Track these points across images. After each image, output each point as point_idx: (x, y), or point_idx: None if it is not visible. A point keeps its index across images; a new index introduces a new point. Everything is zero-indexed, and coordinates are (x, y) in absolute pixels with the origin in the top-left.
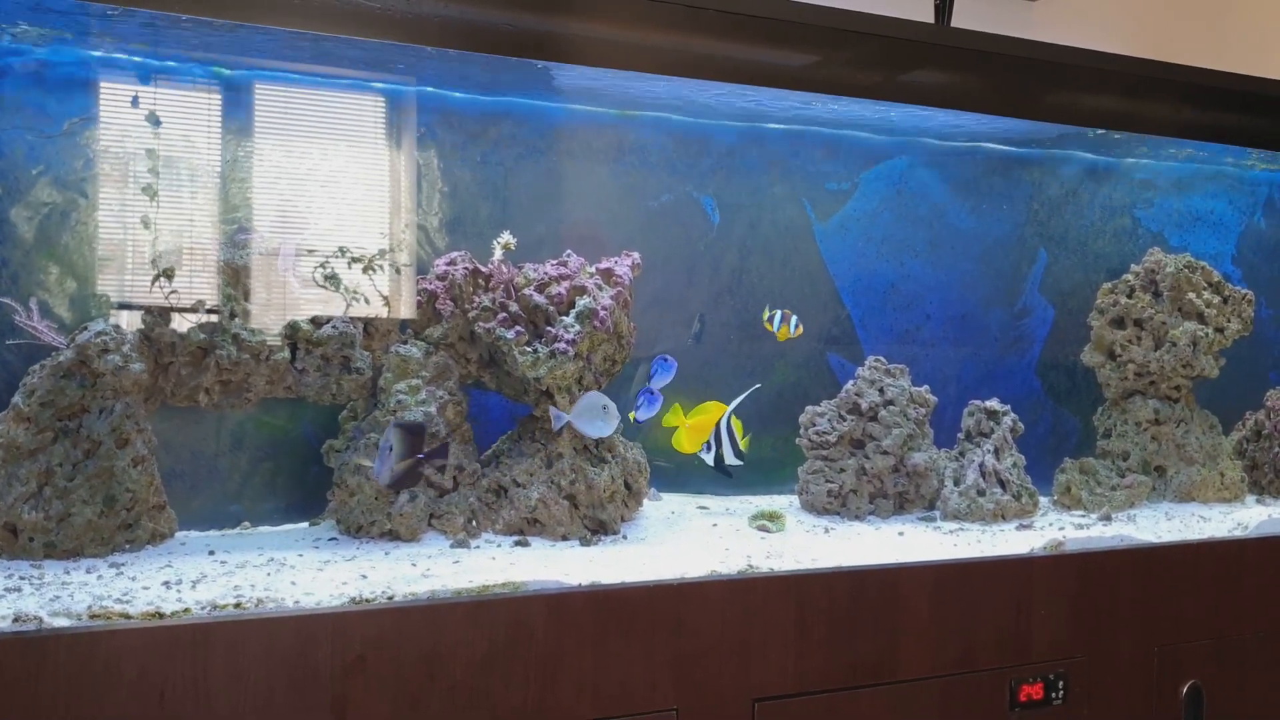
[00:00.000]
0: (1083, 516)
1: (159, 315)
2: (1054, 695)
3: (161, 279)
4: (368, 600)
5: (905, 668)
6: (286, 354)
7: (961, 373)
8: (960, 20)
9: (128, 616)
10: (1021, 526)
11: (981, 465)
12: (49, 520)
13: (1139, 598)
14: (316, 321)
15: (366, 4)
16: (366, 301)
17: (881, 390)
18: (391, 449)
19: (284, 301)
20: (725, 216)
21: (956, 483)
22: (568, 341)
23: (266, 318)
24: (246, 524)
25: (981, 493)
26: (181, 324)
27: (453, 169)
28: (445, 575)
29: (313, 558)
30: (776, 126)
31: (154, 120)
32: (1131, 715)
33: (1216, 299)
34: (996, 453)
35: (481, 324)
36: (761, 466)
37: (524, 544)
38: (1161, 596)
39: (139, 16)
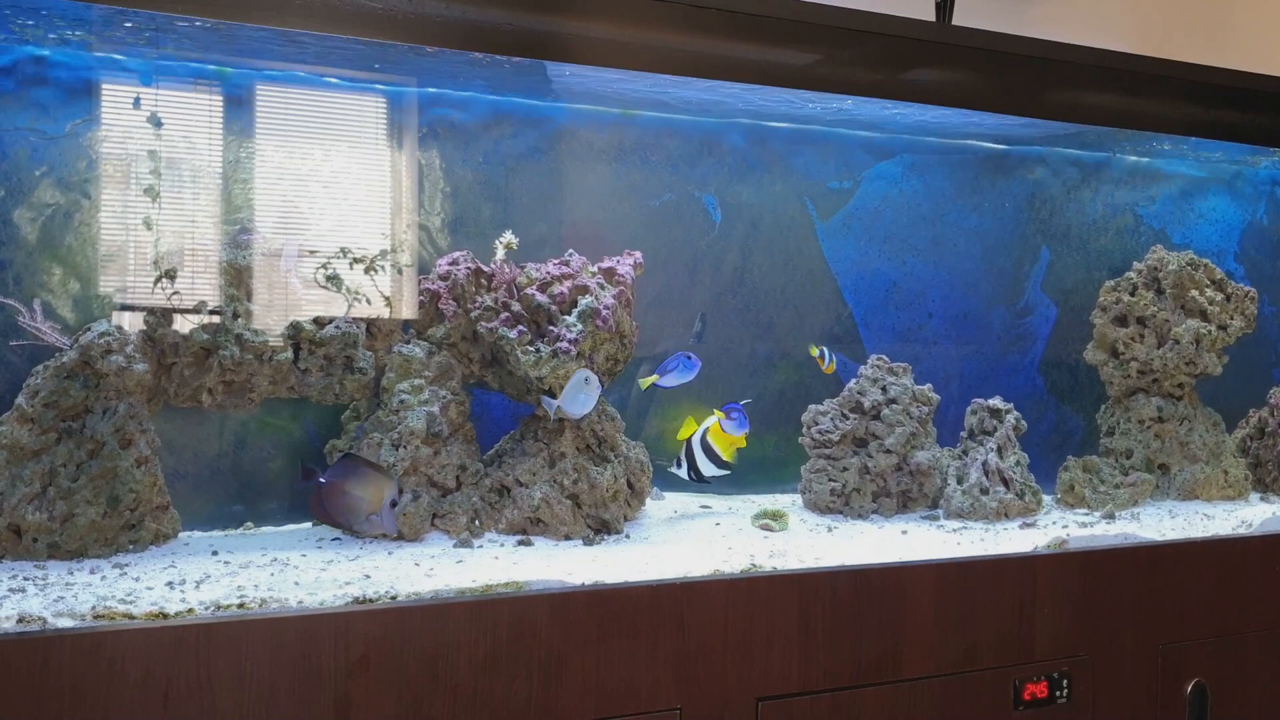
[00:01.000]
0: (1086, 515)
1: (162, 316)
2: (1058, 694)
3: (164, 280)
4: (371, 600)
5: (909, 667)
6: (289, 354)
7: (964, 371)
8: (961, 18)
9: (131, 617)
10: (1025, 525)
11: (985, 464)
12: (53, 521)
13: (1143, 596)
14: (319, 322)
15: (368, 4)
16: (369, 302)
17: (884, 389)
18: (362, 495)
19: (286, 302)
20: (727, 215)
21: (960, 481)
22: (570, 341)
23: (269, 318)
24: (250, 524)
25: (985, 491)
26: (184, 325)
27: (454, 169)
28: (448, 575)
29: (316, 558)
30: (778, 125)
31: (156, 121)
32: (1136, 713)
33: (1219, 296)
34: (1000, 451)
35: (484, 324)
36: (764, 465)
37: (527, 543)
38: (1165, 595)
39: (141, 17)
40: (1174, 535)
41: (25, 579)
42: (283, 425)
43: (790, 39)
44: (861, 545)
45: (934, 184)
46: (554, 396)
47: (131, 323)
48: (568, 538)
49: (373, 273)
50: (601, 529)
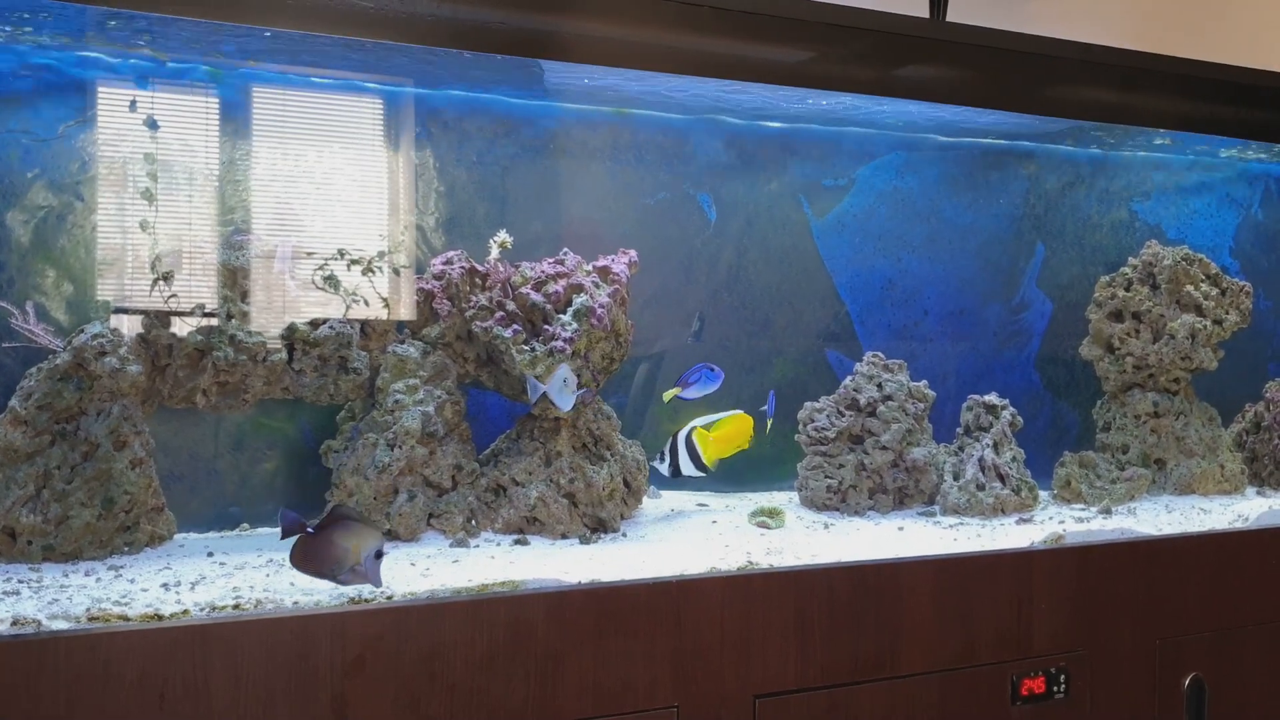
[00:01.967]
0: (1083, 510)
1: (156, 318)
2: (1055, 689)
3: (160, 282)
4: (367, 600)
5: (906, 663)
6: (284, 355)
7: (960, 367)
8: (956, 14)
9: (126, 619)
10: (1021, 520)
11: (981, 460)
12: (47, 523)
13: (1140, 591)
14: (314, 323)
15: (360, 4)
16: (366, 303)
17: (880, 386)
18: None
19: (282, 303)
20: (722, 213)
21: (956, 477)
22: (565, 339)
23: (264, 319)
24: (245, 525)
25: (981, 487)
26: (180, 327)
27: (449, 168)
28: (444, 574)
29: None
30: (772, 123)
31: (151, 124)
32: (1133, 708)
33: (1215, 291)
34: (996, 447)
35: (479, 323)
36: (760, 463)
37: (523, 543)
38: (1162, 589)
39: (134, 19)
40: (1170, 530)
41: (20, 581)
42: (278, 426)
43: (784, 36)
44: (858, 542)
45: (929, 181)
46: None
47: (130, 326)
48: (564, 537)
49: (370, 274)
50: (598, 528)
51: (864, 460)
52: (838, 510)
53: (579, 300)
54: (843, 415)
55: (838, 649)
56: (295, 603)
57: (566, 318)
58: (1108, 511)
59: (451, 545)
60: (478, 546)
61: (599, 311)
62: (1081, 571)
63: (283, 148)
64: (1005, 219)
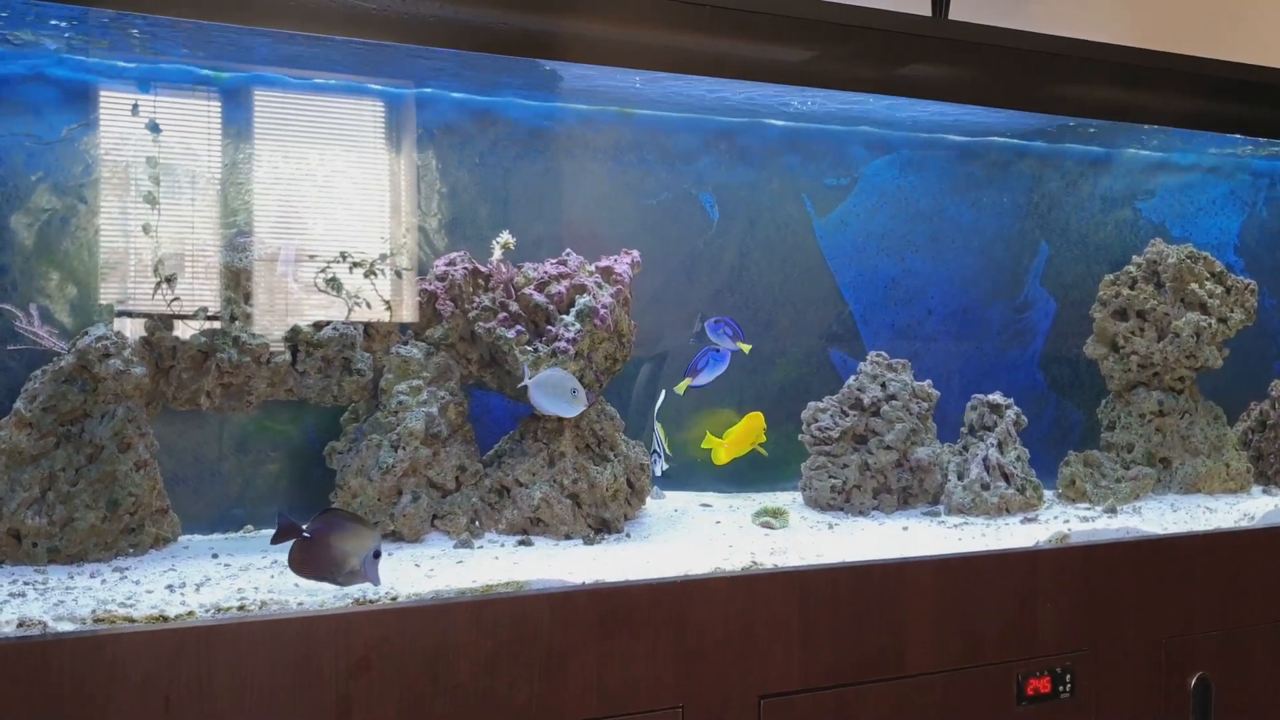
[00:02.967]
0: (1088, 509)
1: (160, 320)
2: (1061, 689)
3: (164, 285)
4: (371, 601)
5: (911, 663)
6: (287, 356)
7: (964, 367)
8: (958, 13)
9: (132, 620)
10: (1026, 520)
11: (985, 459)
12: (52, 525)
13: (1145, 590)
14: (318, 324)
15: (362, 5)
16: (369, 305)
17: (884, 385)
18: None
19: (285, 305)
20: (725, 213)
21: (960, 477)
22: (568, 340)
23: (268, 321)
24: (250, 527)
25: (985, 487)
26: (184, 329)
27: (451, 170)
28: (449, 575)
29: None
30: (775, 122)
31: (153, 127)
32: (1139, 708)
33: (1219, 289)
34: (1000, 446)
35: (482, 324)
36: (764, 463)
37: (527, 543)
38: (1168, 588)
39: (136, 20)
40: (1176, 529)
41: (25, 583)
42: (281, 428)
43: (787, 35)
44: (862, 542)
45: (932, 180)
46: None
47: (134, 328)
48: (568, 537)
49: (373, 276)
50: (602, 528)
51: (868, 460)
52: (842, 510)
53: (582, 301)
54: (847, 415)
55: (842, 649)
56: (300, 604)
57: (569, 318)
58: (1113, 511)
59: (455, 546)
60: (481, 547)
61: (602, 312)
62: (1087, 571)
63: (285, 150)
64: (1009, 218)
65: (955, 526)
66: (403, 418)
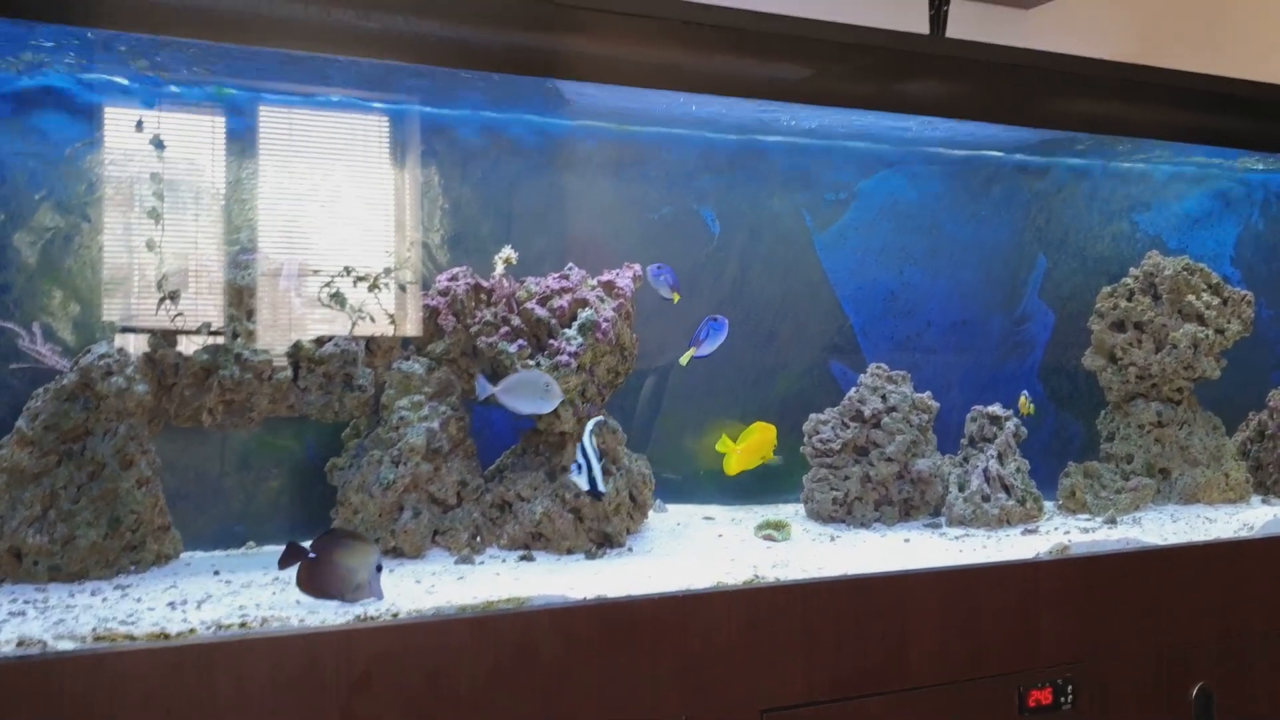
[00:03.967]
0: (1088, 520)
1: (162, 337)
2: (1063, 700)
3: (167, 301)
4: (372, 618)
5: (913, 675)
6: (289, 373)
7: (963, 378)
8: (955, 30)
9: (133, 638)
10: (1027, 531)
11: (985, 470)
12: (53, 543)
13: (1146, 600)
14: (319, 340)
15: (366, 25)
16: (371, 320)
17: (884, 397)
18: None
19: (287, 321)
20: (725, 228)
21: (961, 488)
22: (570, 354)
23: (270, 337)
24: (251, 544)
25: (986, 498)
26: (187, 346)
27: (453, 185)
28: (450, 591)
29: None
30: (774, 138)
31: (157, 143)
32: (1141, 718)
33: (1216, 300)
34: (1000, 458)
35: (484, 338)
36: (767, 475)
37: (529, 558)
38: (1169, 599)
39: (141, 40)
40: (1176, 539)
41: (26, 602)
42: (284, 444)
43: (786, 54)
44: (864, 554)
45: (930, 193)
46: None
47: (136, 345)
48: (570, 552)
49: (376, 291)
50: (604, 542)
51: (869, 472)
52: (843, 522)
53: (584, 315)
54: (847, 427)
55: (845, 661)
56: (301, 620)
57: (571, 332)
58: (1113, 521)
59: (457, 562)
60: (483, 563)
61: (604, 325)
62: (1087, 582)
63: (288, 166)
64: (1006, 231)
65: (956, 538)
66: (404, 433)
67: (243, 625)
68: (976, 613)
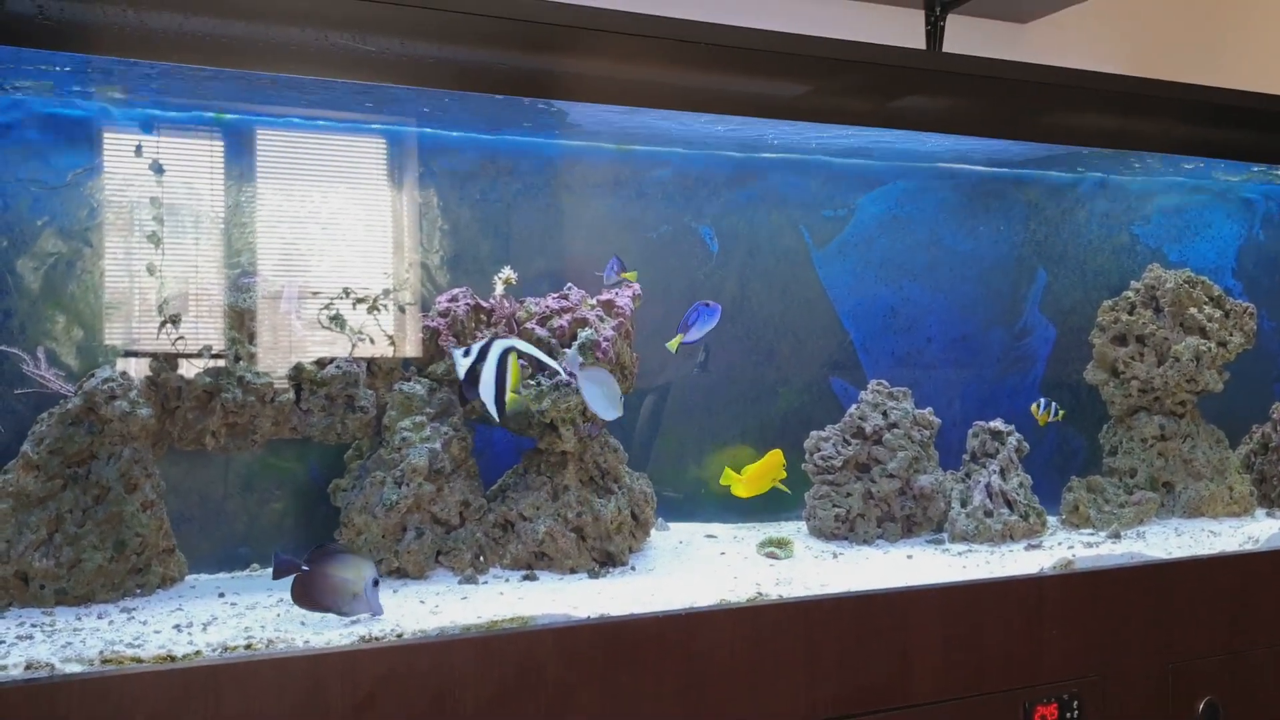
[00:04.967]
0: (1091, 535)
1: (165, 360)
2: (1069, 715)
3: (168, 325)
4: (377, 639)
5: (917, 691)
6: (291, 395)
7: (965, 394)
8: (952, 45)
9: (139, 660)
10: (1030, 546)
11: (988, 486)
12: (60, 567)
13: (1151, 615)
14: (320, 362)
15: (363, 48)
16: (371, 341)
17: (885, 414)
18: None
19: (288, 343)
20: (724, 245)
21: (963, 504)
22: (570, 373)
23: (271, 360)
24: (256, 566)
25: (989, 514)
26: (188, 369)
27: (452, 206)
28: (453, 611)
29: None
30: (771, 155)
31: (157, 168)
32: None
33: (1218, 313)
34: (1002, 473)
35: None
36: (768, 493)
37: (532, 578)
38: (1174, 613)
39: (139, 66)
40: (1180, 553)
41: (33, 626)
42: (286, 466)
43: (782, 71)
44: (867, 571)
45: (929, 209)
46: (556, 430)
47: (139, 369)
48: (573, 571)
49: (375, 312)
50: (606, 561)
51: (871, 488)
52: (846, 539)
53: (584, 334)
54: (849, 443)
55: (848, 679)
56: (306, 642)
57: (572, 352)
58: (1117, 536)
59: (460, 582)
60: (486, 583)
61: (604, 345)
62: (1092, 596)
63: (287, 189)
64: (1006, 245)
65: (959, 554)
66: (406, 454)
67: (248, 647)
68: (980, 629)
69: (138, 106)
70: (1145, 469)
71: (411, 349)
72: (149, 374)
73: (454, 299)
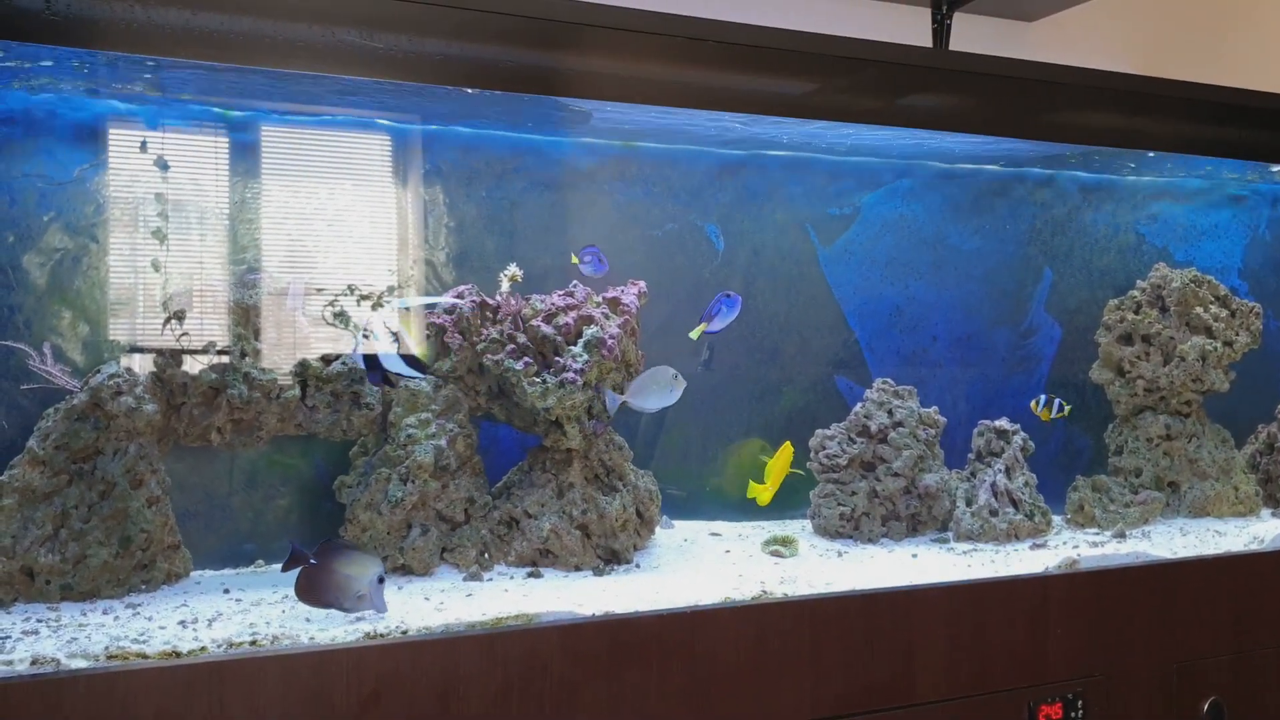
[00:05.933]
0: (1097, 534)
1: (170, 357)
2: (1074, 715)
3: (173, 321)
4: (382, 635)
5: (922, 691)
6: (297, 391)
7: (970, 393)
8: (958, 43)
9: (145, 656)
10: (1035, 546)
11: (993, 485)
12: (65, 563)
13: (1156, 615)
14: (326, 358)
15: (370, 44)
16: (377, 338)
17: (890, 412)
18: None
19: (294, 340)
20: (729, 243)
21: (968, 503)
22: (576, 371)
23: (277, 356)
24: (261, 562)
25: (994, 513)
26: (193, 365)
27: (458, 204)
28: (458, 609)
29: None
30: (778, 153)
31: (162, 164)
32: None
33: (1224, 313)
34: (1008, 472)
35: (490, 356)
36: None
37: (537, 575)
38: (1179, 613)
39: (145, 62)
40: (1186, 553)
41: (39, 621)
42: (292, 463)
43: (788, 69)
44: (872, 569)
45: (934, 207)
46: (561, 427)
47: (145, 365)
48: (577, 568)
49: (379, 309)
50: (611, 559)
51: (876, 487)
52: (851, 538)
53: (589, 332)
54: (854, 442)
55: (853, 677)
56: (311, 638)
57: (577, 349)
58: (1122, 535)
59: (465, 579)
60: (491, 580)
61: (609, 342)
62: (1097, 596)
63: (293, 185)
64: (1012, 244)
65: (964, 553)
66: (411, 451)
67: (253, 643)
68: (985, 628)
69: (144, 102)
70: (1150, 469)
71: (418, 346)
72: (154, 370)
73: (459, 295)
